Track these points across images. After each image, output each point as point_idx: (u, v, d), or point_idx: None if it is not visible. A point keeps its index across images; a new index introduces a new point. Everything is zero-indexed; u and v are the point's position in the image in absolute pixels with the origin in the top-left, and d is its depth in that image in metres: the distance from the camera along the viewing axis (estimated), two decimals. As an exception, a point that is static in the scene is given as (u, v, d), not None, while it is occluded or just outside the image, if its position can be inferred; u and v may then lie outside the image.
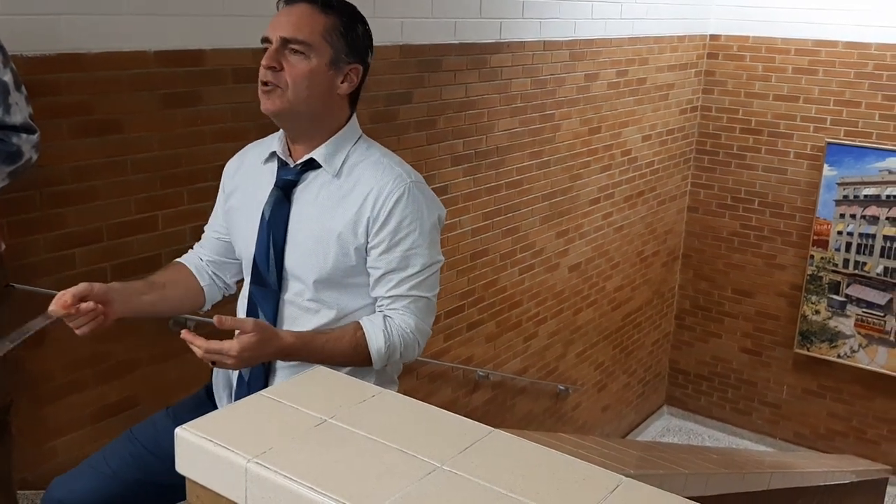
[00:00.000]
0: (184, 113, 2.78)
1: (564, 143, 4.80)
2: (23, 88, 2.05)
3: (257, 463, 1.15)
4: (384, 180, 1.64)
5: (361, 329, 1.65)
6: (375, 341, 1.64)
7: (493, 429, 1.27)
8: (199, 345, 1.51)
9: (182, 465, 1.25)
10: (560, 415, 5.49)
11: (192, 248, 1.96)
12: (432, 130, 3.82)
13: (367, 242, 1.64)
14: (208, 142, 2.85)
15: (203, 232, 1.95)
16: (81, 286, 1.56)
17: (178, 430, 1.24)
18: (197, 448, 1.22)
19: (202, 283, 1.87)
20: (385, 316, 1.67)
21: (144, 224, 2.74)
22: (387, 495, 1.09)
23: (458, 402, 4.46)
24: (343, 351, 1.63)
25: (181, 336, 1.52)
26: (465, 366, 4.44)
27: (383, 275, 1.66)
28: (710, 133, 6.27)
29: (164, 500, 1.68)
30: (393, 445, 1.21)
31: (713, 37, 6.07)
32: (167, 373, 2.86)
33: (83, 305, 1.54)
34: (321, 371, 1.51)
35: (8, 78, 2.01)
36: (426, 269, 1.67)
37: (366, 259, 1.66)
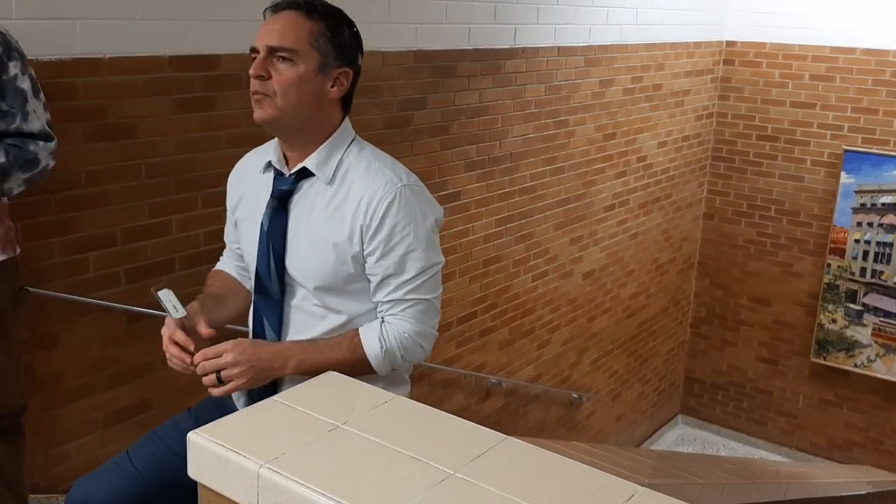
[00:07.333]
0: (199, 117, 2.79)
1: (579, 150, 4.79)
2: (41, 95, 2.05)
3: (269, 468, 1.14)
4: (374, 186, 1.64)
5: (358, 335, 1.67)
6: (371, 347, 1.65)
7: (506, 436, 1.26)
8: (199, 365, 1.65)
9: (194, 470, 1.25)
10: (573, 423, 5.46)
11: (220, 255, 2.00)
12: (445, 136, 3.81)
13: (363, 250, 1.65)
14: (223, 146, 2.86)
15: (224, 243, 1.97)
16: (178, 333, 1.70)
17: (190, 435, 1.24)
18: (209, 453, 1.21)
19: (248, 288, 1.89)
20: (383, 321, 1.68)
21: (158, 228, 2.75)
22: (399, 502, 1.08)
23: (471, 409, 4.44)
24: (344, 356, 1.65)
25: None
26: (478, 373, 4.42)
27: (381, 280, 1.67)
28: (726, 139, 6.23)
29: (187, 502, 1.68)
30: (406, 452, 1.20)
31: (729, 43, 6.03)
32: (180, 377, 2.84)
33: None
34: (333, 376, 1.50)
35: (26, 85, 2.01)
36: (424, 272, 1.67)
37: (364, 266, 1.67)
